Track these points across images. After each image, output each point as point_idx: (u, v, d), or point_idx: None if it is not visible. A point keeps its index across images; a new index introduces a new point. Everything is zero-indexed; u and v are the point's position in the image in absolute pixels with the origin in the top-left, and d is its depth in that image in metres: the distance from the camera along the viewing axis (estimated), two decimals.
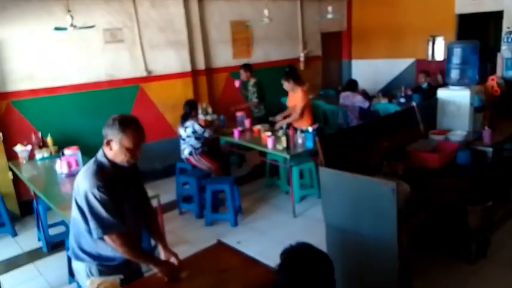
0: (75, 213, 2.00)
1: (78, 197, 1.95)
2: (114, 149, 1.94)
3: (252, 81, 5.75)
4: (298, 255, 1.59)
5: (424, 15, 7.38)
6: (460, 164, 3.29)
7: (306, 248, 1.61)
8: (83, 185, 1.92)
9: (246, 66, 5.82)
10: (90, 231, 1.95)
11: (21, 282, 3.57)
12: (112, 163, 1.97)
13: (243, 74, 5.80)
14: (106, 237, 1.93)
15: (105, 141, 1.97)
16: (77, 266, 2.11)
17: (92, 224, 1.91)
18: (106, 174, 1.93)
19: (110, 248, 1.97)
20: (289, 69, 5.06)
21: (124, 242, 1.93)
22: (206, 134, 4.74)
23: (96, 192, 1.88)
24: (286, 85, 4.88)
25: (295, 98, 4.91)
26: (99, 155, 2.00)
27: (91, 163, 2.00)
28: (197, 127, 4.70)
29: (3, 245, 4.29)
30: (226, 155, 5.56)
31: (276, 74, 7.18)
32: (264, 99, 5.82)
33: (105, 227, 1.91)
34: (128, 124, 1.95)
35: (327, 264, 1.58)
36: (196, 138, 4.74)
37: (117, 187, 1.95)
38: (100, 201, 1.88)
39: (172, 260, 2.10)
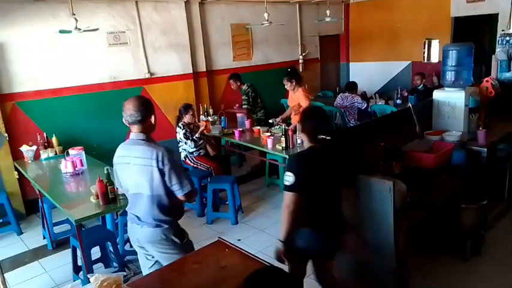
0: (150, 190, 2.24)
1: (160, 164, 2.21)
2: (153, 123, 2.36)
3: (243, 88, 5.82)
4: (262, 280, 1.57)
5: (420, 18, 7.48)
6: (455, 164, 3.34)
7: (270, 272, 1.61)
8: (164, 154, 2.23)
9: (233, 77, 5.86)
10: (169, 194, 2.26)
11: (27, 279, 3.62)
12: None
13: (233, 85, 5.86)
14: (189, 192, 2.28)
15: (152, 119, 2.33)
16: (150, 233, 2.30)
17: (180, 182, 2.25)
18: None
19: (178, 209, 2.38)
20: (291, 70, 5.12)
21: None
22: (188, 143, 4.77)
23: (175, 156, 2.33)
24: (288, 85, 4.96)
25: (296, 97, 5.00)
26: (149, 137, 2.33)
27: (152, 143, 2.31)
28: (180, 136, 4.77)
29: (9, 242, 4.35)
30: (226, 156, 5.63)
31: (276, 76, 7.25)
32: (258, 103, 5.87)
33: (190, 183, 2.30)
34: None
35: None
36: (192, 141, 4.80)
37: None
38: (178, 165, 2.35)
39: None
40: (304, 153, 2.39)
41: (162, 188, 2.26)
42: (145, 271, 2.46)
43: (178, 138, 4.85)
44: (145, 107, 2.28)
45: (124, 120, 2.31)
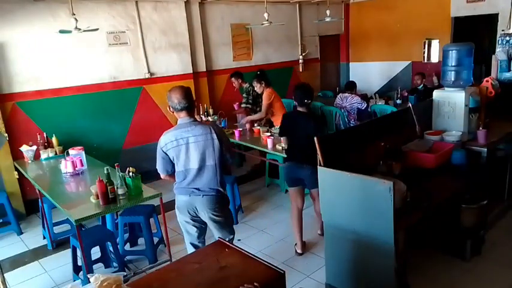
0: (212, 160, 2.70)
1: (222, 141, 2.71)
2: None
3: (245, 86, 5.83)
4: None
5: (420, 19, 7.48)
6: (455, 164, 3.34)
7: None
8: (217, 127, 2.77)
9: (235, 75, 5.90)
10: (222, 163, 2.76)
11: (27, 279, 3.62)
12: None
13: (235, 82, 5.89)
14: (233, 161, 3.07)
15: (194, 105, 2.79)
16: (210, 200, 2.73)
17: (229, 151, 2.82)
18: None
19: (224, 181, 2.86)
20: (260, 73, 5.32)
21: None
22: None
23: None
24: (258, 86, 5.21)
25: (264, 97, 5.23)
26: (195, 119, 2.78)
27: (201, 122, 2.86)
28: None
29: (9, 243, 4.36)
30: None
31: (276, 76, 7.27)
32: (259, 102, 5.86)
33: (233, 155, 2.92)
34: None
35: None
36: None
37: None
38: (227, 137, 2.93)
39: None
40: (290, 112, 4.08)
41: (219, 157, 2.71)
42: (192, 241, 2.90)
43: None
44: (190, 94, 2.70)
45: (170, 108, 2.71)
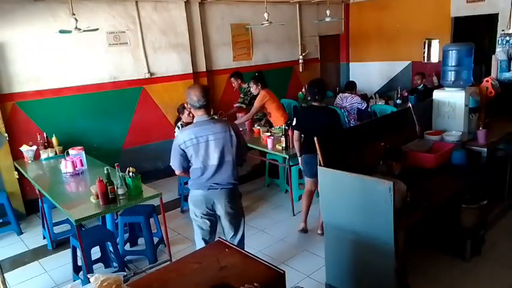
0: (230, 156, 2.81)
1: (237, 140, 2.83)
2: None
3: (244, 86, 5.84)
4: None
5: (420, 19, 7.48)
6: (455, 164, 3.34)
7: None
8: (233, 126, 2.89)
9: (235, 75, 5.93)
10: (241, 156, 2.94)
11: (27, 279, 3.62)
12: None
13: (234, 83, 5.92)
14: (246, 157, 3.19)
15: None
16: (227, 192, 2.86)
17: (243, 148, 2.97)
18: None
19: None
20: (258, 74, 5.36)
21: None
22: None
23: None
24: (254, 87, 5.24)
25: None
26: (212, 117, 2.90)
27: (219, 120, 3.07)
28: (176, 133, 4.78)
29: (9, 243, 4.36)
30: None
31: (276, 76, 7.28)
32: (253, 103, 5.89)
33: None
34: None
35: None
36: None
37: None
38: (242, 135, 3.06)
39: None
40: (304, 107, 4.39)
41: (237, 151, 2.84)
42: (204, 237, 3.00)
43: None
44: (208, 93, 2.78)
45: (188, 105, 2.85)
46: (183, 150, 2.77)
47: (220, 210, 2.90)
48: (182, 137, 2.75)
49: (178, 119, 4.89)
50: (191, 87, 2.81)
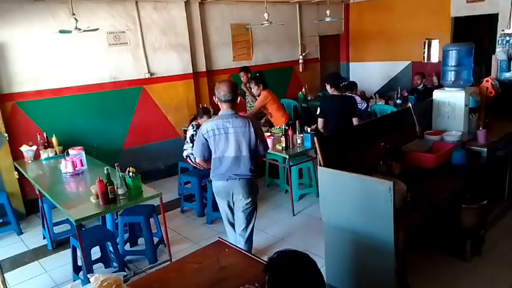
0: (248, 150, 2.98)
1: (257, 135, 3.00)
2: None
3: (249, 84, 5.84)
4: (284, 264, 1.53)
5: (420, 19, 7.48)
6: (455, 164, 3.34)
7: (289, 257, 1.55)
8: (254, 122, 3.05)
9: (245, 69, 5.98)
10: (256, 153, 3.04)
11: (27, 279, 3.62)
12: None
13: (244, 77, 5.94)
14: (265, 153, 3.31)
15: (238, 99, 3.12)
16: (246, 182, 3.04)
17: (262, 143, 3.07)
18: None
19: (259, 166, 3.18)
20: (259, 75, 5.40)
21: None
22: (191, 146, 4.71)
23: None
24: (255, 88, 5.28)
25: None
26: (236, 111, 3.08)
27: (241, 115, 3.10)
28: (189, 136, 4.76)
29: (9, 243, 4.36)
30: None
31: (276, 76, 7.28)
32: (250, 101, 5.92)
33: (266, 146, 3.18)
34: None
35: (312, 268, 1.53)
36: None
37: None
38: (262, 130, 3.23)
39: None
40: (326, 96, 4.89)
41: (254, 148, 2.99)
42: (231, 220, 3.26)
43: (188, 136, 4.81)
44: (236, 89, 2.99)
45: (215, 98, 3.02)
46: (206, 140, 2.99)
47: (238, 200, 3.10)
48: (206, 126, 2.99)
49: (194, 118, 4.92)
50: (221, 82, 3.02)
